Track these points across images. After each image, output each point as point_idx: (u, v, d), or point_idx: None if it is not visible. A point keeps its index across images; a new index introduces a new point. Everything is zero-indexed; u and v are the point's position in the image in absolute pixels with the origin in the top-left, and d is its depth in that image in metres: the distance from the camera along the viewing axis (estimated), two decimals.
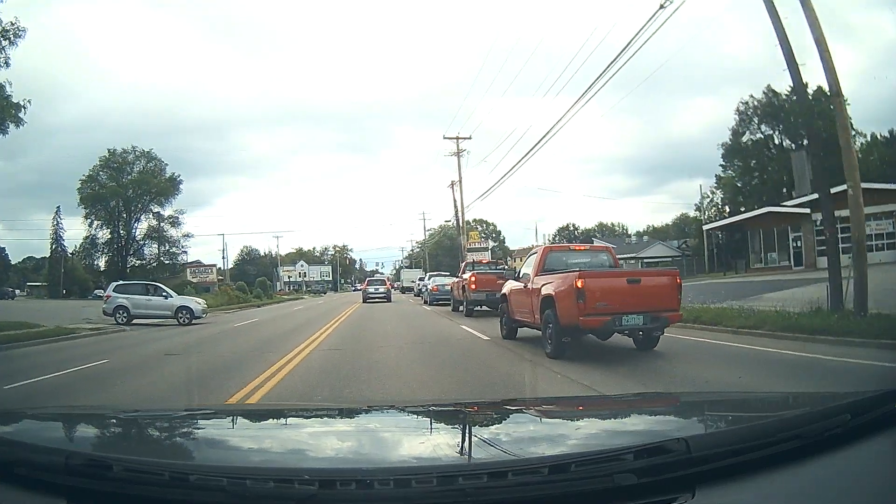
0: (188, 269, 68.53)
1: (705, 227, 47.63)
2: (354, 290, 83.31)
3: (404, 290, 57.26)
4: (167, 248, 70.05)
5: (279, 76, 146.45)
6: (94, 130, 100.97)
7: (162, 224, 68.74)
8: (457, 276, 23.29)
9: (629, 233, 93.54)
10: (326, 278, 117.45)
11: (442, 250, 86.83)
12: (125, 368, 10.39)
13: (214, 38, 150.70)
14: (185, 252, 71.60)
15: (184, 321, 22.83)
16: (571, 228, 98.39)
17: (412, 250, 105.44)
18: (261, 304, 44.69)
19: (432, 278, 32.11)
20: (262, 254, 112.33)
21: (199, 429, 2.38)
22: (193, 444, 2.08)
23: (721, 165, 59.06)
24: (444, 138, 42.73)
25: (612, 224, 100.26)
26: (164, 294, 24.24)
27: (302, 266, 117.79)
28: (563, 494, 1.37)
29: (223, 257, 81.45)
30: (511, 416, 2.59)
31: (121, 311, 22.95)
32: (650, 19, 14.25)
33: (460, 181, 44.46)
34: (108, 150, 66.92)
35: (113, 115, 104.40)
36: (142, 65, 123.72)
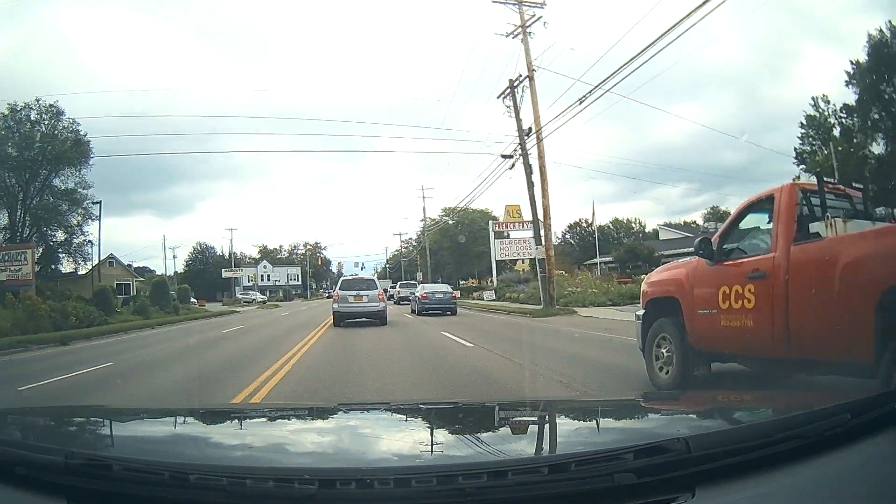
0: None
1: None
2: (328, 297, 60.48)
3: None
4: (67, 235, 46.02)
5: (266, 81, 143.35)
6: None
7: (56, 202, 44.62)
8: (673, 262, 7.77)
9: (646, 229, 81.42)
10: (295, 282, 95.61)
11: (451, 243, 65.94)
12: None
13: (202, 42, 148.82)
14: (91, 243, 47.04)
15: (382, 320, 19.44)
16: (584, 225, 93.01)
17: (399, 250, 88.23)
18: (105, 331, 21.95)
19: (425, 286, 29.39)
20: (219, 252, 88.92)
21: (199, 428, 2.39)
22: (193, 444, 2.08)
23: (800, 137, 45.64)
24: (494, 1, 23.78)
25: (628, 220, 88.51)
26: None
27: (265, 267, 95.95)
28: (563, 494, 1.37)
29: (172, 256, 66.57)
30: (511, 415, 2.60)
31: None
32: (662, 35, 13.53)
33: (531, 75, 23.42)
34: (8, 105, 43.12)
35: (101, 118, 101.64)
36: (129, 68, 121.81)
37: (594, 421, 2.38)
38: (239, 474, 1.42)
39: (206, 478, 1.40)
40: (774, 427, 1.66)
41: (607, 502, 1.38)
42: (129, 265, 64.81)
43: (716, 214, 70.51)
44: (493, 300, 37.24)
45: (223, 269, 77.86)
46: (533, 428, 2.27)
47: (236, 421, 2.57)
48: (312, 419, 2.61)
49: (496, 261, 46.07)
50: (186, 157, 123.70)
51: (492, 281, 47.18)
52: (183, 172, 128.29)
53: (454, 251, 67.11)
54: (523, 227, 43.71)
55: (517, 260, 45.14)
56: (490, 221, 48.23)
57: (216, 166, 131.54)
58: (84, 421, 2.47)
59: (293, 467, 1.59)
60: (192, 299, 63.44)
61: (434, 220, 66.58)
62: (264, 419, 2.65)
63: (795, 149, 45.99)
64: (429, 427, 2.34)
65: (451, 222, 67.04)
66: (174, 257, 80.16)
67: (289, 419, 2.63)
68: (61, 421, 2.43)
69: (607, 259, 53.19)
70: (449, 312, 24.96)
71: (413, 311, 27.06)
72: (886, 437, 1.59)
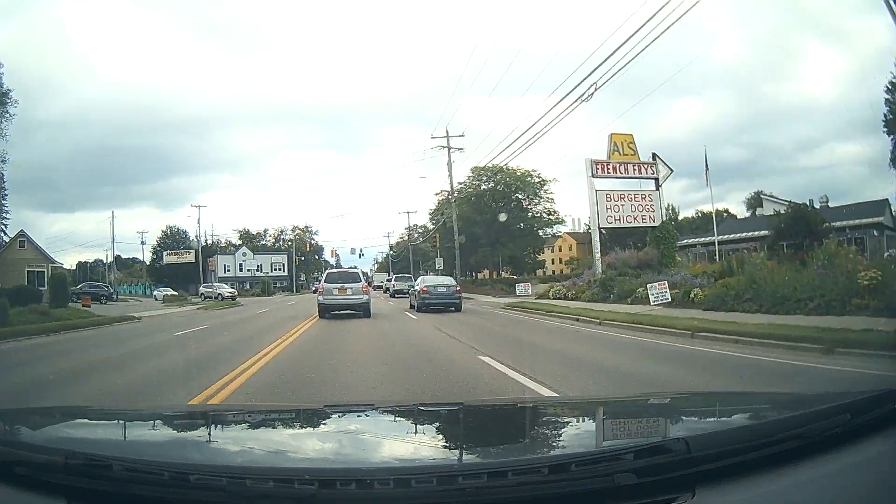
0: None
1: None
2: (315, 292, 39.09)
3: (375, 287, 53.24)
4: None
5: (265, 75, 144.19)
6: (81, 127, 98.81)
7: None
8: None
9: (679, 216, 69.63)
10: (280, 273, 79.76)
11: (484, 219, 46.72)
12: None
13: (201, 36, 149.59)
14: (5, 220, 36.03)
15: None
16: None
17: (409, 231, 74.12)
18: None
19: (425, 279, 26.67)
20: (192, 237, 71.45)
21: (199, 428, 2.39)
22: (193, 444, 2.08)
23: (887, 103, 36.30)
24: None
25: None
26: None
27: (244, 255, 79.59)
28: (563, 494, 1.37)
29: (141, 242, 54.50)
30: (511, 416, 2.60)
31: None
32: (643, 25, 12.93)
33: None
34: None
35: (100, 111, 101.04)
36: (129, 62, 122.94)
37: (594, 421, 2.38)
38: (239, 475, 1.42)
39: (206, 478, 1.40)
40: (774, 427, 1.66)
41: (608, 502, 1.38)
42: (83, 254, 56.21)
43: (757, 200, 67.24)
44: (668, 302, 17.22)
45: (165, 253, 62.75)
46: (533, 428, 2.27)
47: (237, 421, 2.57)
48: (312, 419, 2.61)
49: (600, 229, 25.80)
50: (186, 149, 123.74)
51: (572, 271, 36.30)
52: (182, 166, 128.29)
53: (488, 229, 46.93)
54: (639, 170, 25.80)
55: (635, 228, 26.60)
56: (588, 160, 25.14)
57: (214, 158, 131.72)
58: (84, 421, 2.46)
59: (293, 468, 1.59)
60: (160, 293, 54.05)
61: (460, 184, 46.24)
62: (264, 419, 2.65)
63: (885, 115, 38.71)
64: (428, 427, 2.34)
65: (483, 187, 49.03)
66: (143, 243, 68.46)
67: (287, 420, 2.63)
68: (61, 421, 2.43)
69: (740, 237, 38.28)
70: (452, 308, 22.85)
71: (412, 307, 24.67)
72: (886, 437, 1.59)
